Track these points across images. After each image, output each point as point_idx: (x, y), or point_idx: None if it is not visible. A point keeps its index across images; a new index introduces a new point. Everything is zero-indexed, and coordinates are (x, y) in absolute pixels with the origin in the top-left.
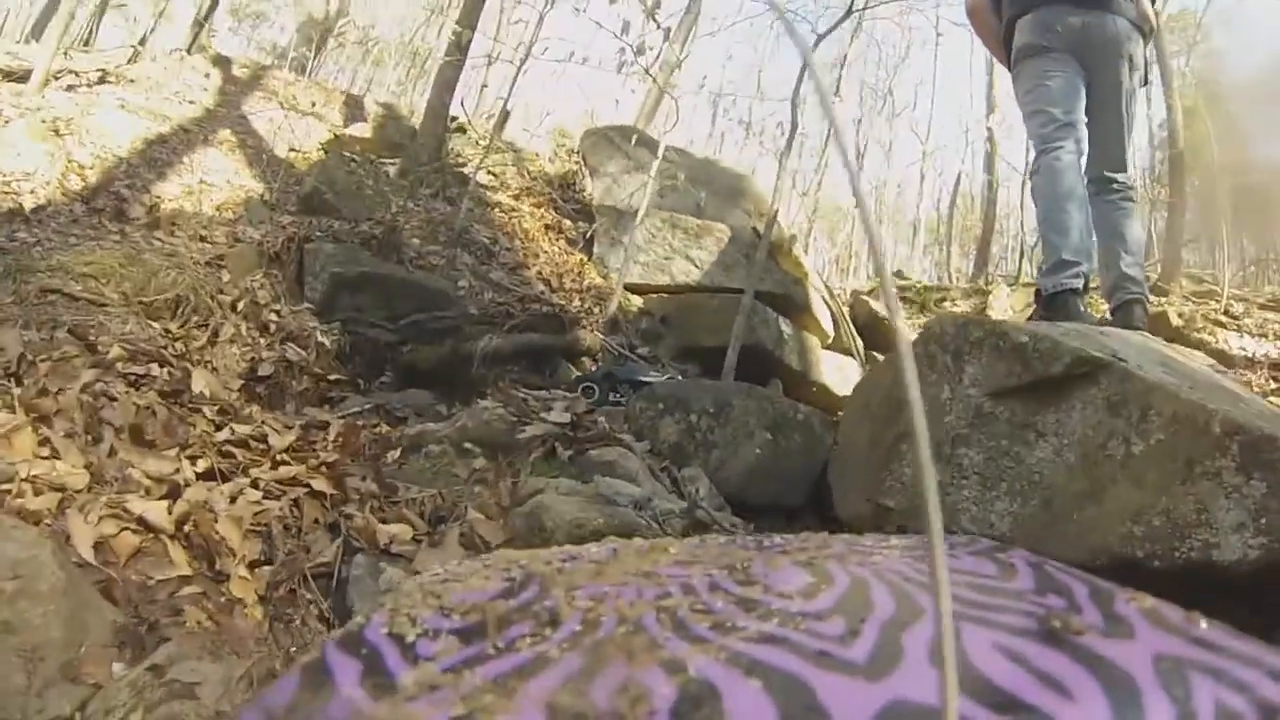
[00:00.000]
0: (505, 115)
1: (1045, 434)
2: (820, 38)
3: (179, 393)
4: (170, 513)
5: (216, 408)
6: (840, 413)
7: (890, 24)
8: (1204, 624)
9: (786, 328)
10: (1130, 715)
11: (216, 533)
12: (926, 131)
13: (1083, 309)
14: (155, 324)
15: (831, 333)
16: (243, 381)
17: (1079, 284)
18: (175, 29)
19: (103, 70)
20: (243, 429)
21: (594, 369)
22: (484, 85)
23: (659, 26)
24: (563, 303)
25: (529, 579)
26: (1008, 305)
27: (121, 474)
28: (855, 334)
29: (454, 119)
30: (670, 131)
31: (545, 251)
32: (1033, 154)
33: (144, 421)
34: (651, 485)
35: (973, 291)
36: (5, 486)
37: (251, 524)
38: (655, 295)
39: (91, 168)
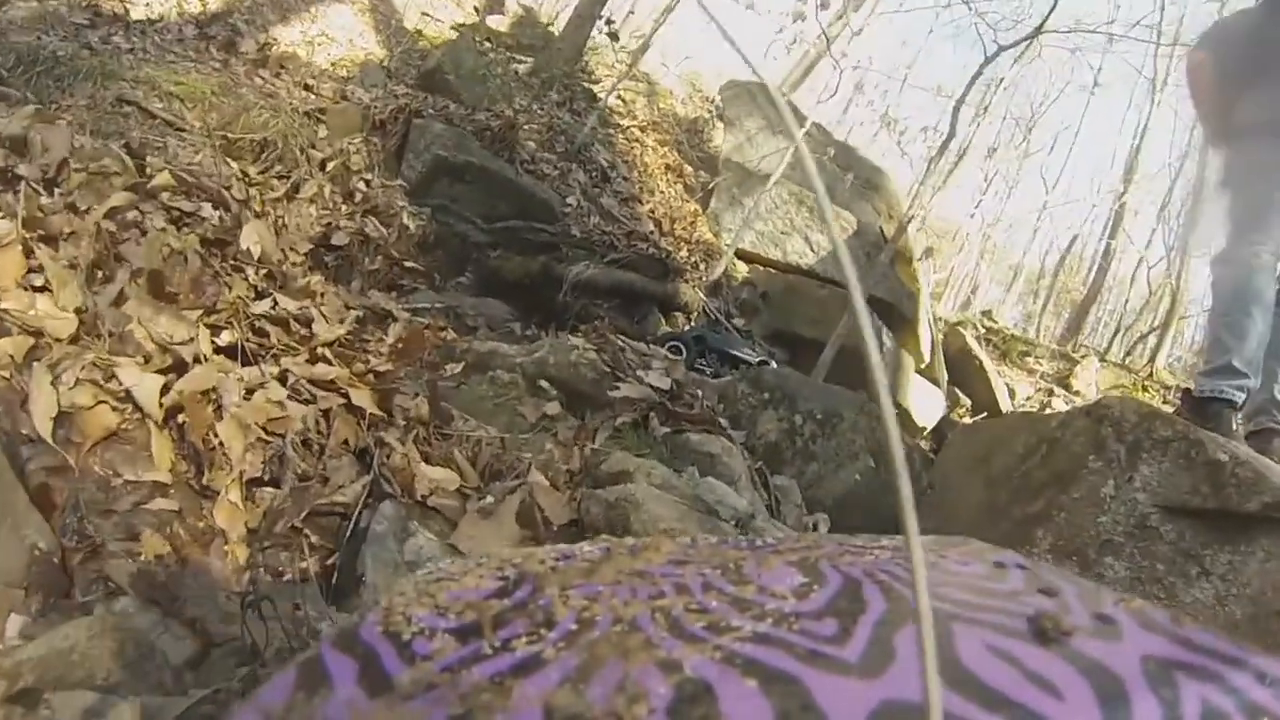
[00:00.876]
0: (646, 45)
1: (1211, 573)
2: (1000, 50)
3: (225, 244)
4: (164, 394)
5: (264, 272)
6: (926, 444)
7: (1061, 53)
8: (1191, 626)
9: (888, 340)
10: (1118, 715)
11: (214, 435)
12: (1055, 180)
13: (1235, 426)
14: (234, 163)
15: (928, 357)
16: (311, 246)
17: (1239, 398)
18: None
19: None
20: (288, 304)
21: (687, 327)
22: (631, 11)
23: None
24: (670, 249)
25: (523, 578)
26: (1094, 380)
27: (120, 329)
28: (944, 365)
29: (605, 24)
30: (823, 103)
31: (661, 192)
32: (1222, 240)
33: (170, 268)
34: (752, 494)
35: (1059, 355)
36: None
37: (263, 431)
38: (762, 268)
39: None
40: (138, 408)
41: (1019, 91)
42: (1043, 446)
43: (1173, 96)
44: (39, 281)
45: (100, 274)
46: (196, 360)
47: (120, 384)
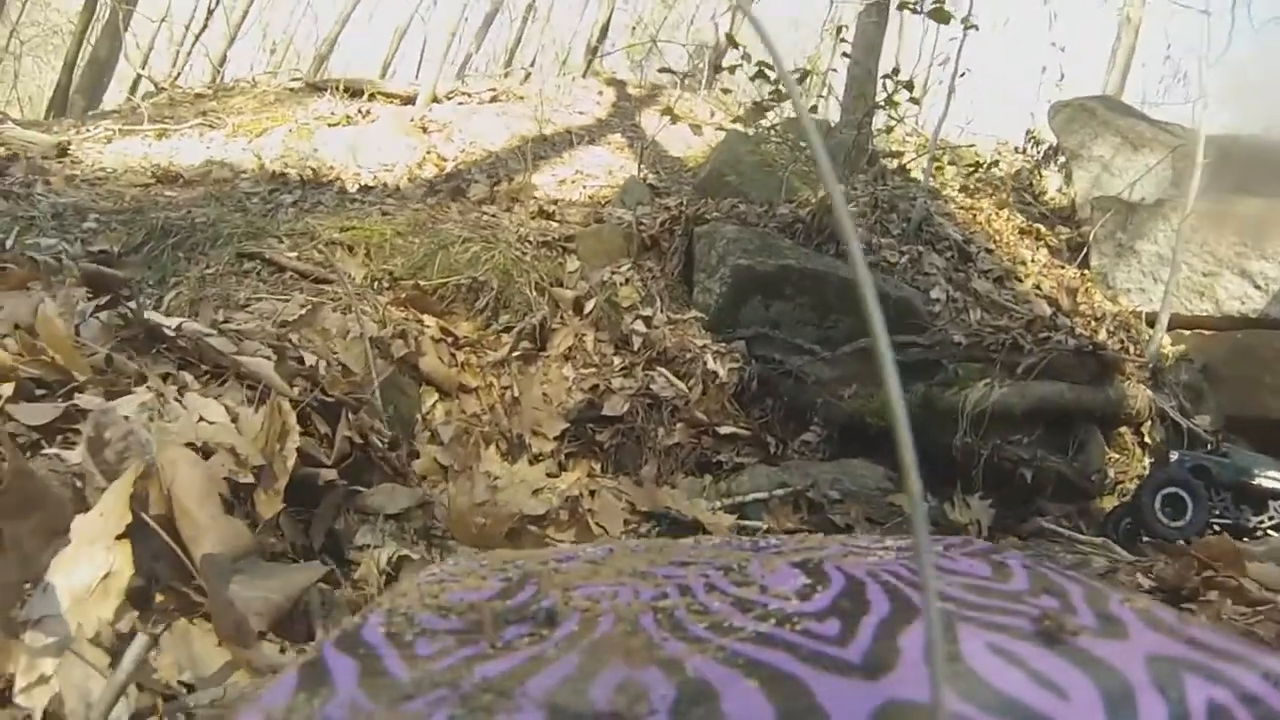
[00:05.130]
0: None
1: None
2: None
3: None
4: None
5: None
6: None
7: None
8: (1197, 625)
9: None
10: (1124, 715)
11: None
12: None
13: None
14: (428, 319)
15: None
16: (566, 425)
17: None
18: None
19: (494, 90)
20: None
21: (1173, 455)
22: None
23: None
24: (1086, 334)
25: (526, 579)
26: None
27: None
28: None
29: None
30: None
31: (1031, 262)
32: None
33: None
34: None
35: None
36: None
37: None
38: (1188, 331)
39: (455, 160)
40: None
41: None
42: None
43: None
44: None
45: None
46: None
47: None
